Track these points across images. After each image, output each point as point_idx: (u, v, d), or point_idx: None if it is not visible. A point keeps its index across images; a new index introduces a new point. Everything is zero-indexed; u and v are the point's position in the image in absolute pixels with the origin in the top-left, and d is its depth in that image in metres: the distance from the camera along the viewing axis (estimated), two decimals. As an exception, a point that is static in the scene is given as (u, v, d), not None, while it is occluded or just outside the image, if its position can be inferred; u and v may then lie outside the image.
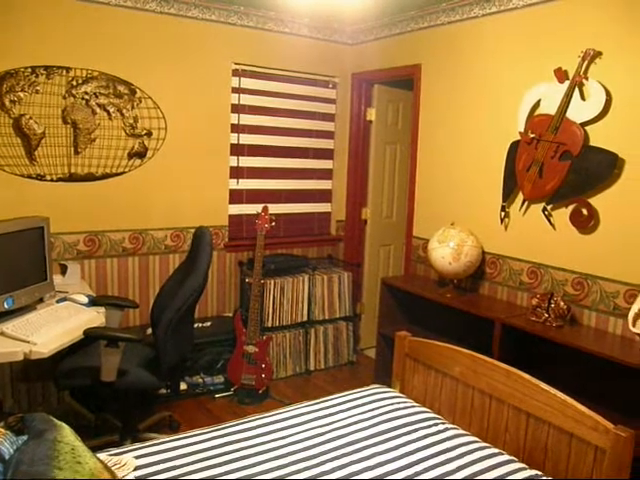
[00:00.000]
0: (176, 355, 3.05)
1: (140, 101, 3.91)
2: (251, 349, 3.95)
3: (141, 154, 3.96)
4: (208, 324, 4.21)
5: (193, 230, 3.34)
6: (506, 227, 3.59)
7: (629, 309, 2.71)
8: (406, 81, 4.50)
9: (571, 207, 3.17)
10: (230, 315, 4.41)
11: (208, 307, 4.42)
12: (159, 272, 4.15)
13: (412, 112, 4.37)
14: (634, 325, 2.63)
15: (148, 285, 4.12)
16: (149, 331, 3.56)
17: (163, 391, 3.79)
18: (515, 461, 2.14)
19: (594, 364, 2.78)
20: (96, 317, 3.01)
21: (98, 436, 3.13)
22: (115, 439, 3.06)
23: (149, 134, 3.97)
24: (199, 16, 4.04)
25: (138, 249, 4.05)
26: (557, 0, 3.20)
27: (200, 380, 4.03)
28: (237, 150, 4.42)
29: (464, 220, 3.78)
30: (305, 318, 4.47)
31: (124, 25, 3.77)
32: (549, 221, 3.31)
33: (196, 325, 3.87)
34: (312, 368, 4.56)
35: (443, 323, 3.81)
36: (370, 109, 4.87)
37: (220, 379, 4.08)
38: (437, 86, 4.07)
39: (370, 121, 4.89)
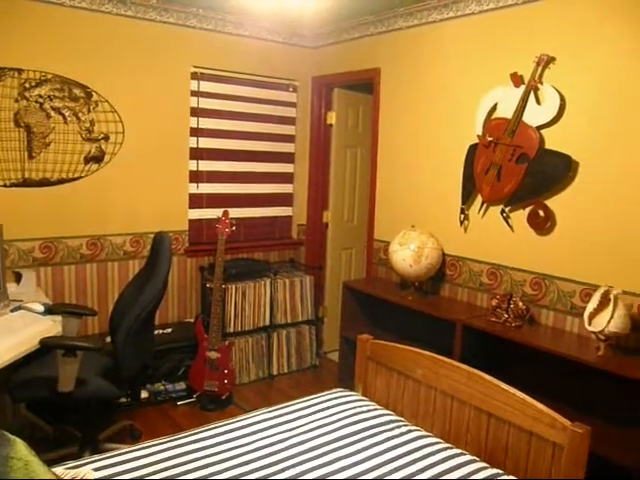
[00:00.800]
0: (136, 363, 2.99)
1: (96, 105, 3.83)
2: (213, 355, 3.91)
3: (98, 158, 3.88)
4: (169, 330, 4.15)
5: (152, 235, 3.29)
6: (466, 229, 3.64)
7: (585, 308, 2.76)
8: (366, 85, 4.52)
9: (528, 209, 3.23)
10: (191, 321, 4.35)
11: (169, 313, 4.35)
12: (118, 279, 4.07)
13: (372, 116, 4.39)
14: (590, 324, 2.69)
15: (107, 292, 4.04)
16: (108, 339, 3.49)
17: (124, 400, 3.71)
18: (477, 461, 2.17)
19: (552, 363, 2.84)
20: (52, 326, 2.93)
21: (57, 449, 3.04)
22: (74, 451, 2.98)
23: (106, 138, 3.90)
24: (157, 18, 3.99)
25: (96, 255, 3.97)
26: (512, 7, 3.27)
27: (162, 387, 3.97)
28: (197, 154, 4.38)
29: (424, 222, 3.82)
30: (267, 322, 4.45)
31: (79, 27, 3.69)
32: (507, 223, 3.37)
33: (157, 332, 3.81)
34: (275, 373, 4.54)
35: (405, 325, 3.83)
36: (330, 113, 4.87)
37: (182, 386, 4.02)
38: (396, 90, 4.10)
39: (330, 125, 4.90)
